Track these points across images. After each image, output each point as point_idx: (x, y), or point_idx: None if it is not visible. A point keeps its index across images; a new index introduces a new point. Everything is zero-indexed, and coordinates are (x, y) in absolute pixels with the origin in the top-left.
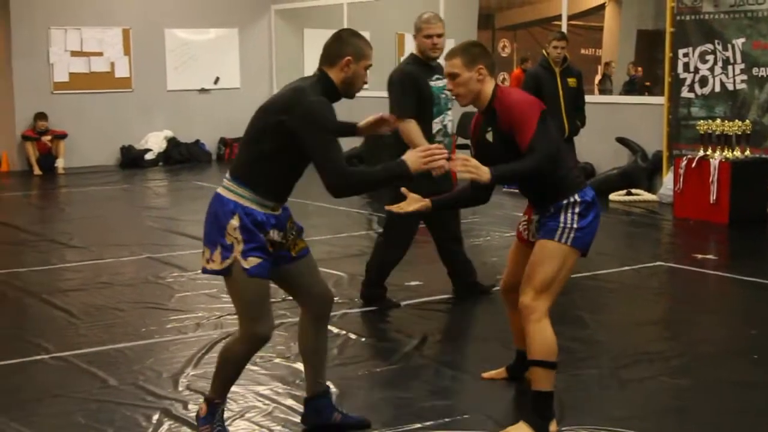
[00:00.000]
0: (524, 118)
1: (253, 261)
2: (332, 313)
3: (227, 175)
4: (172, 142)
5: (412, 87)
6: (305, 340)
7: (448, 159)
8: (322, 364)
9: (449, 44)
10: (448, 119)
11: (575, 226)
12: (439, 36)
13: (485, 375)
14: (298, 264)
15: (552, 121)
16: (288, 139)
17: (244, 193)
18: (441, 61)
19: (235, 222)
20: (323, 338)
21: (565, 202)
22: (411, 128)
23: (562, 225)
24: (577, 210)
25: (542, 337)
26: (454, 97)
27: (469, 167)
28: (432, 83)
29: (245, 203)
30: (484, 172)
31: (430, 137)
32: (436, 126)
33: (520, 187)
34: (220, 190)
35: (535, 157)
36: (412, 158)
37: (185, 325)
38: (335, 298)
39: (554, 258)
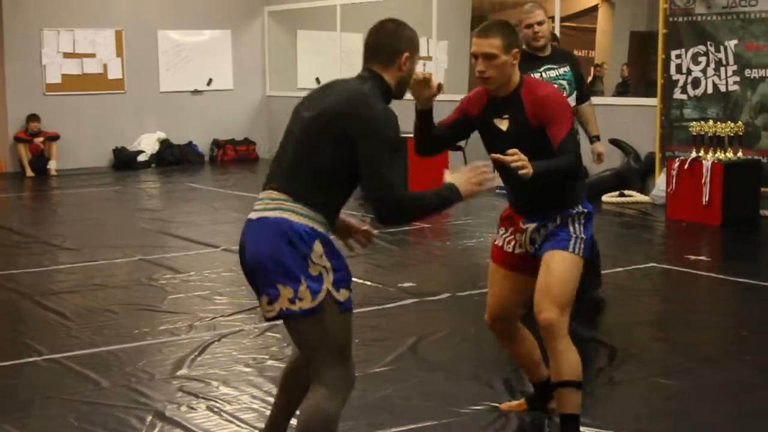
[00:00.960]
0: (563, 113)
1: (344, 293)
2: None
3: (276, 193)
4: (164, 143)
5: None
6: (289, 383)
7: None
8: (292, 416)
9: (443, 47)
10: None
11: (583, 236)
12: (540, 24)
13: (503, 406)
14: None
15: None
16: (350, 149)
17: (316, 216)
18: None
19: (318, 249)
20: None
21: (574, 211)
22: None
23: (574, 235)
24: (582, 220)
25: (571, 354)
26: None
27: (523, 161)
28: (536, 75)
29: (316, 226)
30: (530, 167)
31: None
32: None
33: (519, 191)
34: (284, 214)
35: (569, 158)
36: (462, 181)
37: (178, 326)
38: None
39: (573, 269)
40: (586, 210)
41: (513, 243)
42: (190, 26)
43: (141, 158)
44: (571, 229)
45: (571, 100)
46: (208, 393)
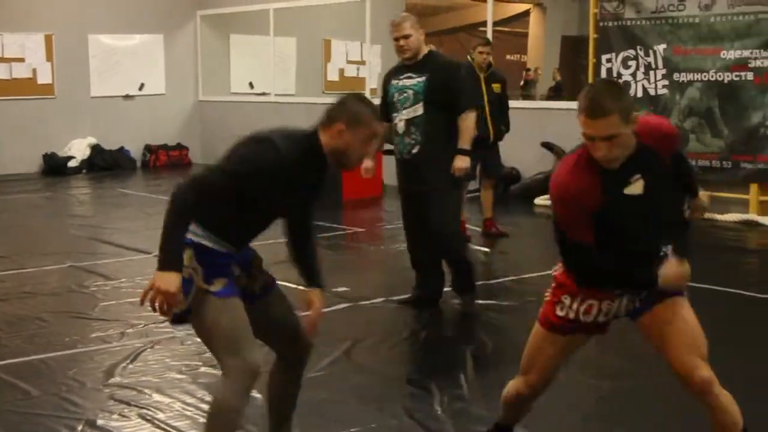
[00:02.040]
0: (677, 138)
1: (220, 282)
2: None
3: None
4: (96, 149)
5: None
6: (274, 387)
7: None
8: (290, 414)
9: (376, 50)
10: (399, 118)
11: None
12: (406, 38)
13: None
14: (264, 301)
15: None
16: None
17: (197, 230)
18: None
19: (188, 253)
20: (292, 379)
21: (662, 253)
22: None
23: None
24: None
25: (733, 401)
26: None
27: (684, 278)
28: (394, 82)
29: (196, 239)
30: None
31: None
32: (395, 126)
33: (624, 254)
34: None
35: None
36: (162, 277)
37: (109, 334)
38: None
39: (692, 317)
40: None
41: (594, 311)
42: (121, 30)
43: (72, 164)
44: None
45: (413, 110)
46: (140, 401)
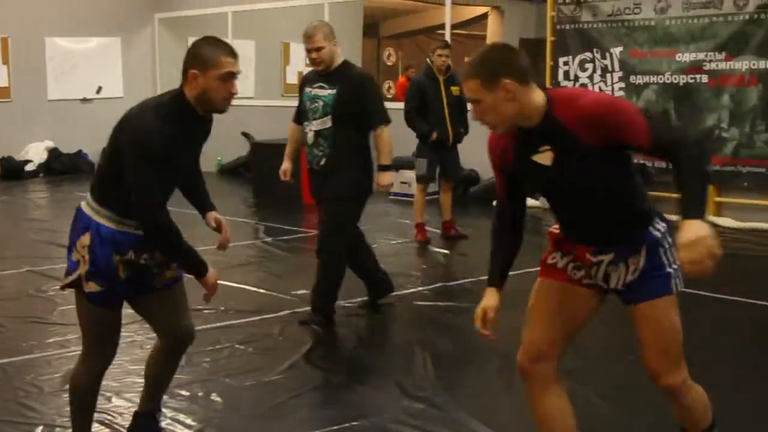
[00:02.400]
0: (624, 113)
1: (92, 287)
2: (221, 324)
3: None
4: (53, 152)
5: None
6: (152, 367)
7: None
8: (162, 391)
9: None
10: (309, 128)
11: (677, 266)
12: (318, 50)
13: None
14: (161, 295)
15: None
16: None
17: (99, 209)
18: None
19: (85, 239)
20: (171, 369)
21: (658, 234)
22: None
23: (673, 270)
24: (671, 241)
25: (702, 400)
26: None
27: (704, 261)
28: (308, 89)
29: (99, 219)
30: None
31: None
32: (305, 135)
33: (580, 224)
34: (82, 203)
35: (686, 142)
36: (212, 273)
37: (68, 339)
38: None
39: (676, 314)
40: (666, 225)
41: (579, 272)
42: (78, 33)
43: (29, 168)
44: (665, 260)
45: (321, 123)
46: (99, 405)
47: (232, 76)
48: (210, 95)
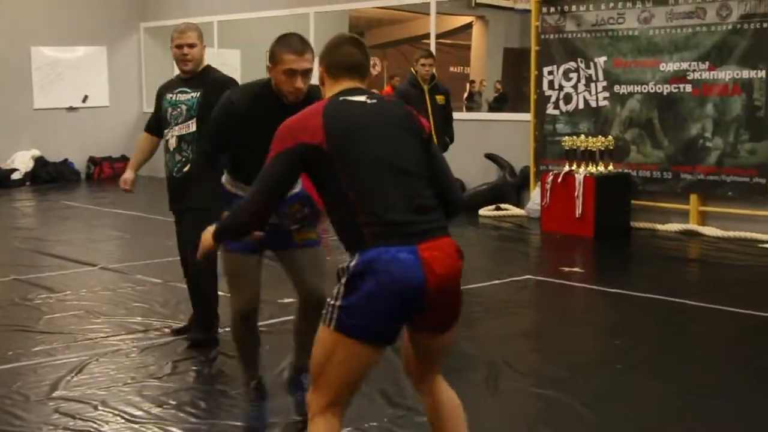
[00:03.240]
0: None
1: None
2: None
3: None
4: (39, 161)
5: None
6: (295, 331)
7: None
8: (302, 349)
9: None
10: (171, 135)
11: (338, 303)
12: (191, 46)
13: None
14: (298, 253)
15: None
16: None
17: (225, 175)
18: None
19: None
20: (305, 327)
21: (340, 266)
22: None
23: (330, 301)
24: (343, 280)
25: None
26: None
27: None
28: (168, 95)
29: (224, 183)
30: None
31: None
32: (166, 142)
33: None
34: None
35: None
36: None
37: (54, 347)
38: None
39: (320, 343)
40: (354, 263)
41: None
42: (64, 42)
43: (15, 176)
44: (333, 292)
45: (185, 127)
46: (85, 414)
47: (291, 70)
48: (280, 86)
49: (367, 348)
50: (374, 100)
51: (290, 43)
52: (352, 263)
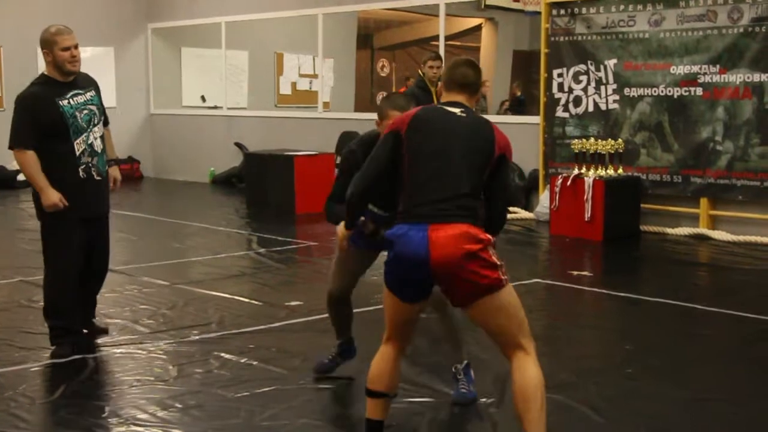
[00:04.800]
0: None
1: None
2: (214, 335)
3: None
4: None
5: (30, 112)
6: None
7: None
8: (455, 346)
9: (329, 65)
10: (93, 137)
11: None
12: (77, 47)
13: None
14: None
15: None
16: None
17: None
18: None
19: None
20: (445, 325)
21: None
22: (24, 160)
23: None
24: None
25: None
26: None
27: None
28: (64, 102)
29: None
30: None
31: (75, 160)
32: (79, 147)
33: None
34: None
35: None
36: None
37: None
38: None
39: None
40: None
41: None
42: None
43: (21, 177)
44: None
45: (101, 127)
46: (90, 417)
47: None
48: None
49: (397, 300)
50: (464, 114)
51: (398, 103)
52: (386, 234)
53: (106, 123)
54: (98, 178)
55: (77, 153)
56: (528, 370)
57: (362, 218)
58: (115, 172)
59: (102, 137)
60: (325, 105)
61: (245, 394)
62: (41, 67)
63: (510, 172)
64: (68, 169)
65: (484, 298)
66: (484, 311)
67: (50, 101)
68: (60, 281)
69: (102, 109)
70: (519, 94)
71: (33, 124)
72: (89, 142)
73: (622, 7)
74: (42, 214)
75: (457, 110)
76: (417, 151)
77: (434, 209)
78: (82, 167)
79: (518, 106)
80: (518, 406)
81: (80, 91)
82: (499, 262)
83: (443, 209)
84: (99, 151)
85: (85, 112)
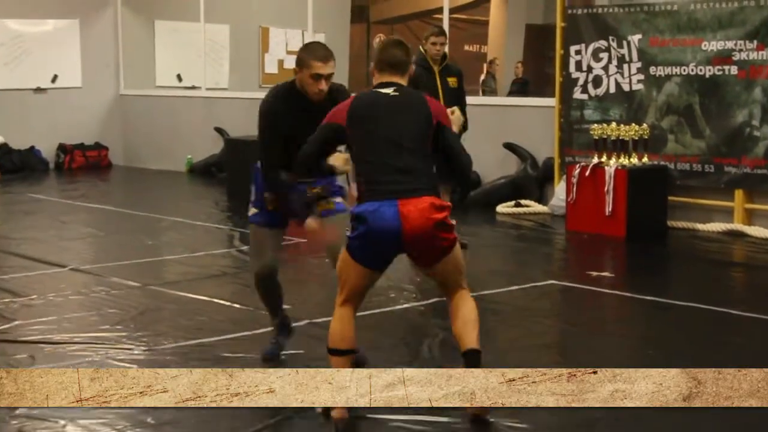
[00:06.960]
0: None
1: (252, 210)
2: (192, 342)
3: None
4: (2, 149)
5: None
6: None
7: None
8: (466, 329)
9: (319, 39)
10: None
11: (348, 234)
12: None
13: None
14: (322, 221)
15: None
16: None
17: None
18: None
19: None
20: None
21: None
22: None
23: (346, 232)
24: (351, 221)
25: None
26: None
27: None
28: None
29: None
30: None
31: None
32: None
33: None
34: None
35: None
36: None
37: (17, 358)
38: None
39: (341, 259)
40: (353, 211)
41: None
42: (31, 15)
43: None
44: None
45: None
46: (51, 429)
47: (315, 75)
48: (305, 87)
49: (363, 268)
50: (397, 93)
51: (316, 51)
52: (353, 211)
53: None
54: None
55: None
56: (468, 302)
57: (266, 194)
58: None
59: None
60: None
61: (225, 408)
62: None
63: (454, 135)
64: None
65: (447, 257)
66: (443, 268)
67: None
68: None
69: None
70: (520, 75)
71: None
72: None
73: None
74: None
75: (390, 90)
76: (363, 139)
77: (398, 186)
78: None
79: (522, 87)
80: (459, 329)
81: None
82: (454, 223)
83: (406, 184)
84: None
85: None
